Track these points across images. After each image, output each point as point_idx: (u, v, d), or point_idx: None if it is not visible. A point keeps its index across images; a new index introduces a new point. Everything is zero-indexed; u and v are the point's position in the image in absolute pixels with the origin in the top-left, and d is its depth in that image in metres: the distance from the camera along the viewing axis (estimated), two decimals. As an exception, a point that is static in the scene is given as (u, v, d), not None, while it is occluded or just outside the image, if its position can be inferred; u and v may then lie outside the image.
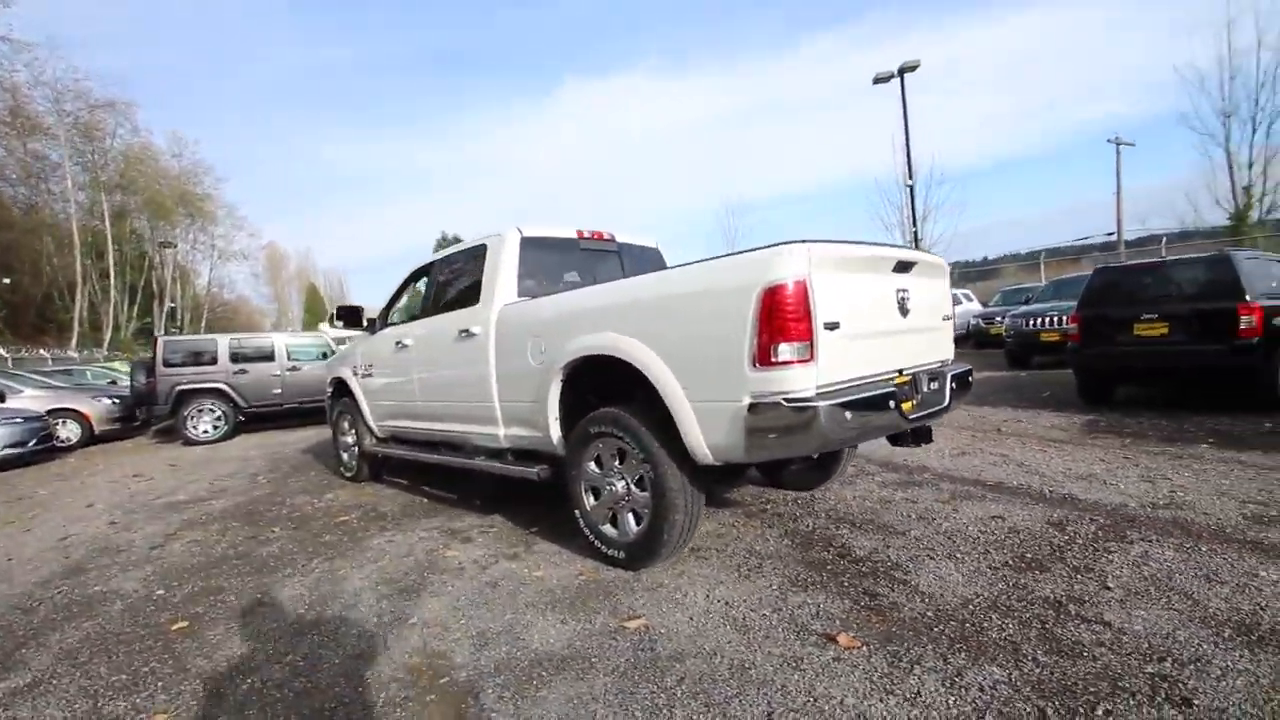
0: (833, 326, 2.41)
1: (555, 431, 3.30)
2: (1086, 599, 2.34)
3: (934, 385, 3.04)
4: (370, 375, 5.05)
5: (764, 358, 2.34)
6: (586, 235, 4.25)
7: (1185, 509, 3.24)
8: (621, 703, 1.92)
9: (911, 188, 20.39)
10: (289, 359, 9.92)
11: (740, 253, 2.53)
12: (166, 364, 9.31)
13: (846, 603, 2.46)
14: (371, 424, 5.17)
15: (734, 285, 2.43)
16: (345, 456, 5.66)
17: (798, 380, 2.34)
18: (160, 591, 3.20)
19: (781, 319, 2.30)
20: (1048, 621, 2.20)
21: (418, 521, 4.12)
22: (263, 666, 2.33)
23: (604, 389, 3.18)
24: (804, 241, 2.37)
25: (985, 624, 2.22)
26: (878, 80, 21.40)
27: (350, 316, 4.93)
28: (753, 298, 2.35)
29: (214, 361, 9.58)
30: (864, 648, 2.13)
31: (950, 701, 1.81)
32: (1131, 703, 1.75)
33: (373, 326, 5.03)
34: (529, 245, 3.86)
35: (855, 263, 2.66)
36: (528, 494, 4.46)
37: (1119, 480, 3.85)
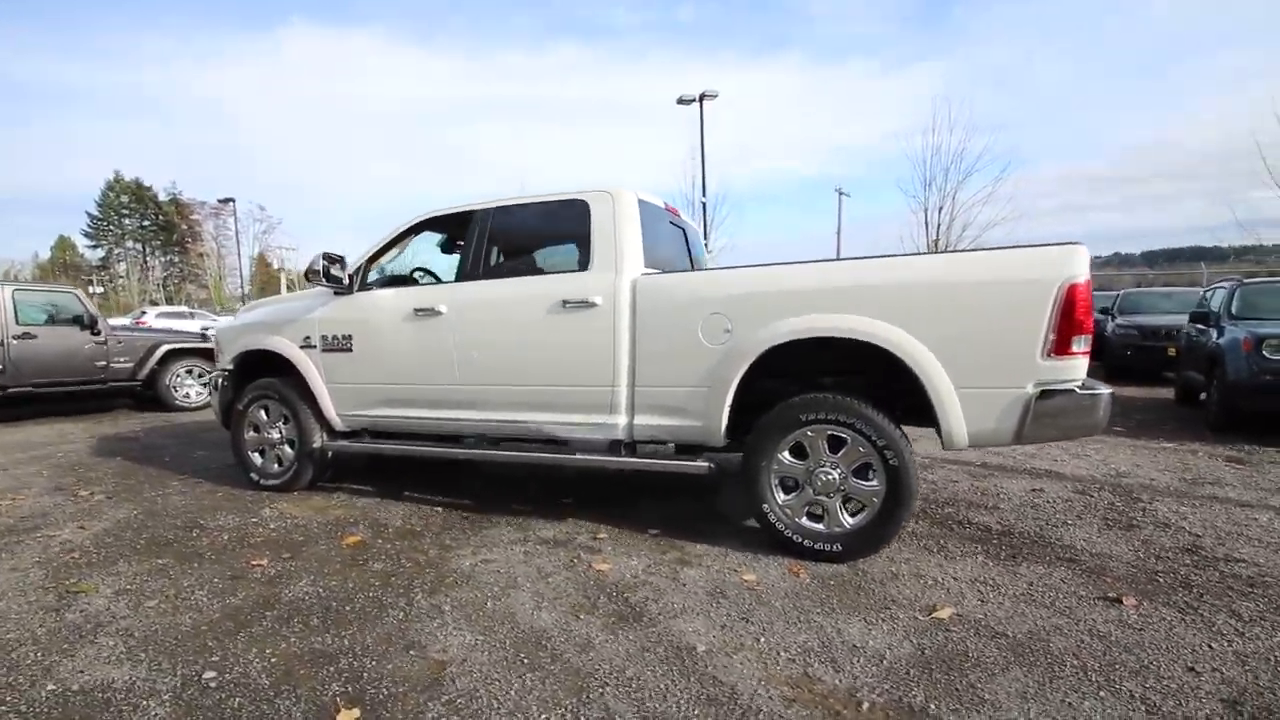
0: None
1: (724, 420, 2.98)
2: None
3: None
4: (344, 349, 3.81)
5: (1061, 348, 2.49)
6: (667, 208, 3.89)
7: None
8: (1081, 686, 1.87)
9: (705, 204, 22.58)
10: (17, 322, 6.78)
11: (1019, 248, 2.64)
12: None
13: (1067, 570, 2.74)
14: (332, 414, 3.91)
15: (1030, 278, 2.52)
16: (260, 459, 4.16)
17: (1082, 370, 2.54)
18: None
19: (1081, 312, 2.47)
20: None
21: (478, 536, 3.27)
22: None
23: (792, 375, 2.99)
24: (1077, 244, 2.58)
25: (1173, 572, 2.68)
26: (681, 101, 23.26)
27: (332, 270, 3.66)
28: (1053, 291, 2.48)
29: None
30: (1143, 604, 2.42)
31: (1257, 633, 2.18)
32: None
33: (341, 285, 3.81)
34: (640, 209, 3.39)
35: None
36: (565, 491, 3.89)
37: None
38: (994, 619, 2.32)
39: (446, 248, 4.49)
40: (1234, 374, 5.55)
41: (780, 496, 2.91)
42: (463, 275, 3.59)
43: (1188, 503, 3.69)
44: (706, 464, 3.04)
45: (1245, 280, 6.98)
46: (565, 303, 3.22)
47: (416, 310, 3.58)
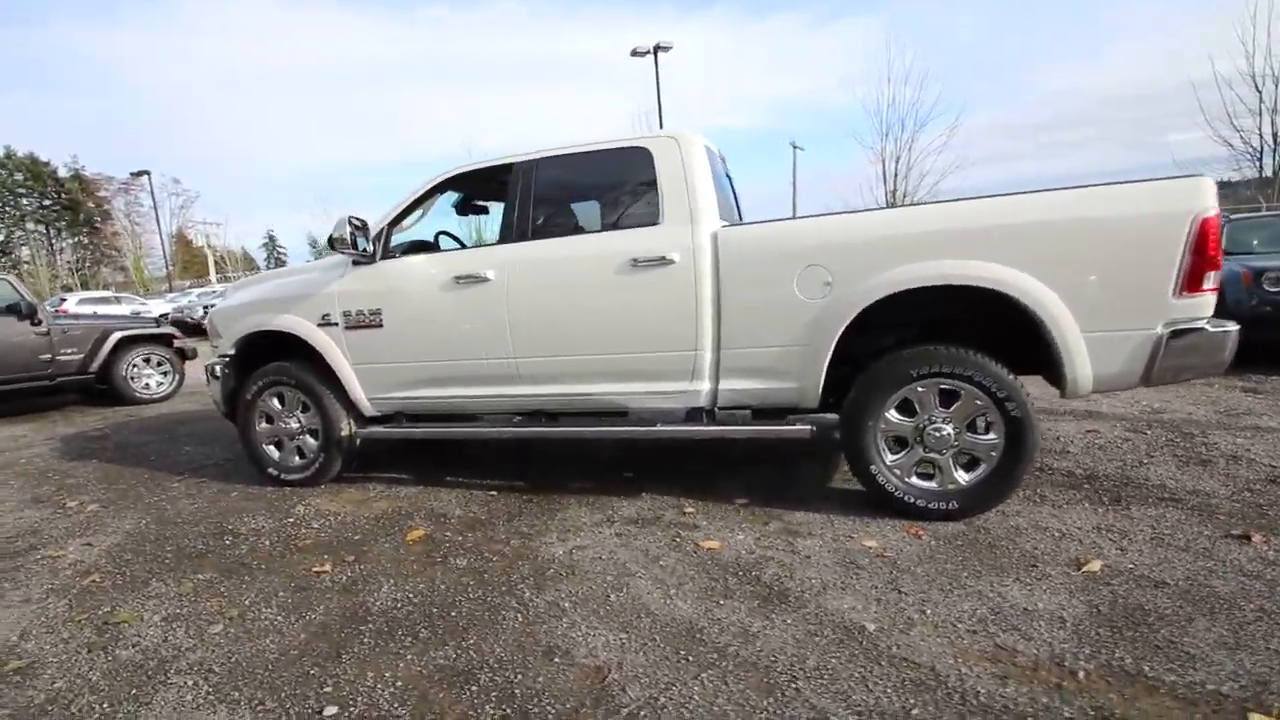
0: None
1: (821, 380, 2.79)
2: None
3: None
4: (372, 325, 3.40)
5: (1192, 284, 2.38)
6: (720, 154, 3.60)
7: None
8: None
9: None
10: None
11: (1144, 182, 2.49)
12: None
13: (1178, 511, 2.72)
14: (361, 397, 3.52)
15: (1164, 212, 2.38)
16: (279, 453, 3.74)
17: (1210, 307, 2.45)
18: None
19: (1213, 245, 2.36)
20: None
21: (555, 520, 3.02)
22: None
23: (885, 328, 2.81)
24: (1202, 175, 2.45)
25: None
26: (635, 54, 22.49)
27: (357, 235, 3.21)
28: (1186, 224, 2.35)
29: None
30: (1270, 539, 2.41)
31: None
32: None
33: (365, 254, 3.36)
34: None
35: None
36: (621, 465, 3.67)
37: None
38: (1144, 567, 2.24)
39: (461, 208, 4.08)
40: (1234, 307, 5.74)
41: (888, 456, 2.76)
42: (508, 236, 3.22)
43: (1239, 434, 3.75)
44: (809, 427, 2.85)
45: (1233, 217, 7.21)
46: (636, 261, 2.92)
47: (458, 278, 3.20)
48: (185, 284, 34.86)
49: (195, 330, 15.32)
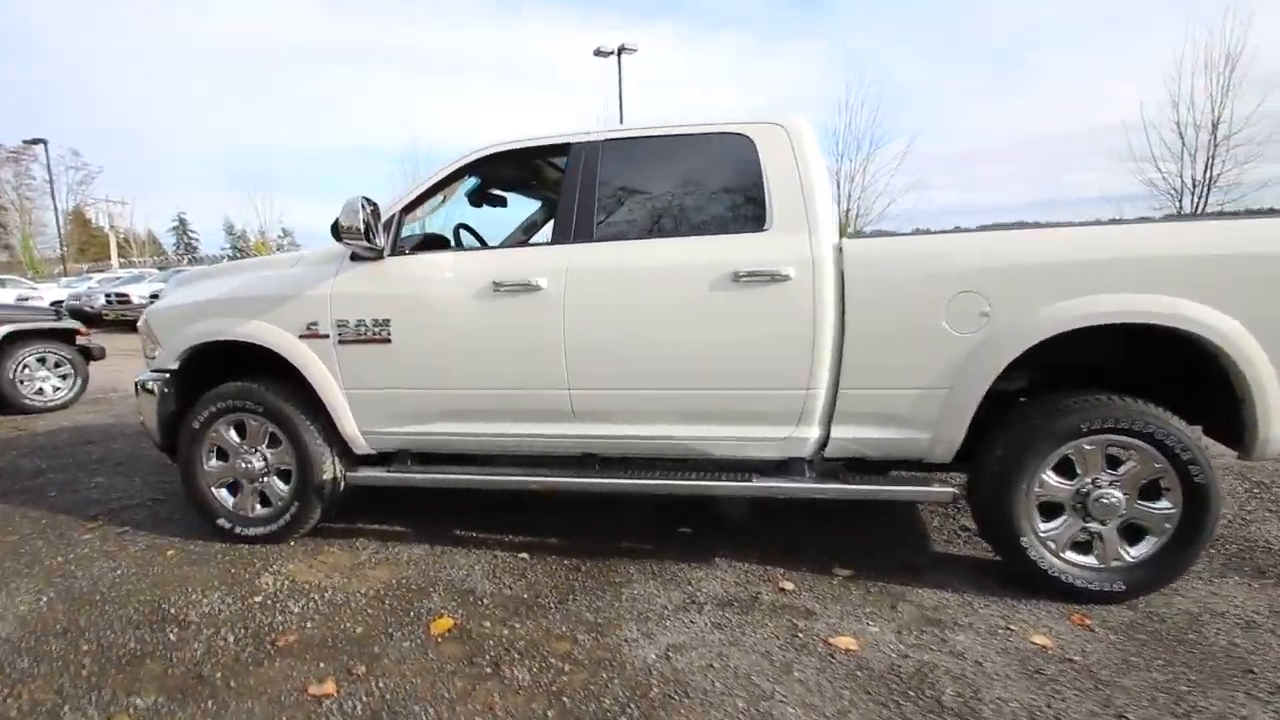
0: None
1: (963, 429, 2.29)
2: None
3: None
4: (377, 339, 2.64)
5: None
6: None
7: None
8: None
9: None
10: None
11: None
12: None
13: (1346, 589, 2.38)
14: (353, 431, 2.75)
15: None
16: (234, 499, 2.89)
17: None
18: None
19: None
20: None
21: (622, 602, 2.37)
22: None
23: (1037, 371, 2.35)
24: None
25: None
26: (599, 54, 21.98)
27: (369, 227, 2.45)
28: None
29: None
30: None
31: None
32: None
33: (372, 248, 2.60)
34: (810, 148, 2.56)
35: None
36: (670, 517, 3.06)
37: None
38: (1389, 678, 1.85)
39: (476, 198, 3.37)
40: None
41: (1041, 525, 2.29)
42: (564, 235, 2.55)
43: (1315, 484, 3.55)
44: (951, 489, 2.34)
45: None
46: (739, 276, 2.33)
47: (499, 285, 2.51)
48: (83, 268, 31.28)
49: (95, 320, 13.56)
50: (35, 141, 29.60)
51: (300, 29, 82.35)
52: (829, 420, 2.40)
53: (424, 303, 2.60)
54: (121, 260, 35.33)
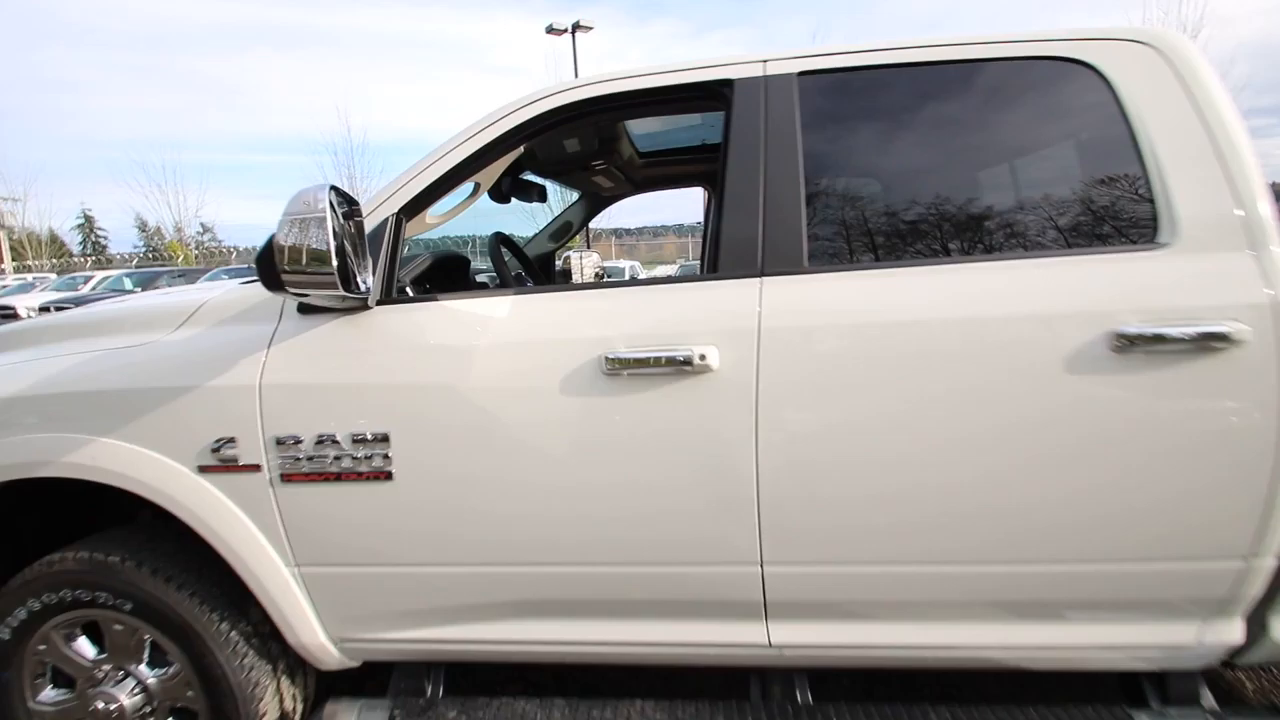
0: None
1: None
2: None
3: None
4: (366, 473, 1.31)
5: None
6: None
7: None
8: None
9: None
10: None
11: None
12: None
13: None
14: (310, 632, 1.41)
15: None
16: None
17: None
18: None
19: None
20: None
21: None
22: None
23: None
24: None
25: None
26: (551, 31, 20.49)
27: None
28: None
29: None
30: None
31: None
32: None
33: (357, 294, 1.26)
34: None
35: None
36: None
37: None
38: None
39: (500, 190, 2.07)
40: None
41: None
42: (738, 262, 1.29)
43: None
44: None
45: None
46: (1120, 341, 1.15)
47: (616, 363, 1.24)
48: (-37, 275, 27.40)
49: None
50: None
51: (207, 10, 76.28)
52: (1269, 603, 1.26)
53: (461, 400, 1.29)
54: (16, 264, 31.30)
